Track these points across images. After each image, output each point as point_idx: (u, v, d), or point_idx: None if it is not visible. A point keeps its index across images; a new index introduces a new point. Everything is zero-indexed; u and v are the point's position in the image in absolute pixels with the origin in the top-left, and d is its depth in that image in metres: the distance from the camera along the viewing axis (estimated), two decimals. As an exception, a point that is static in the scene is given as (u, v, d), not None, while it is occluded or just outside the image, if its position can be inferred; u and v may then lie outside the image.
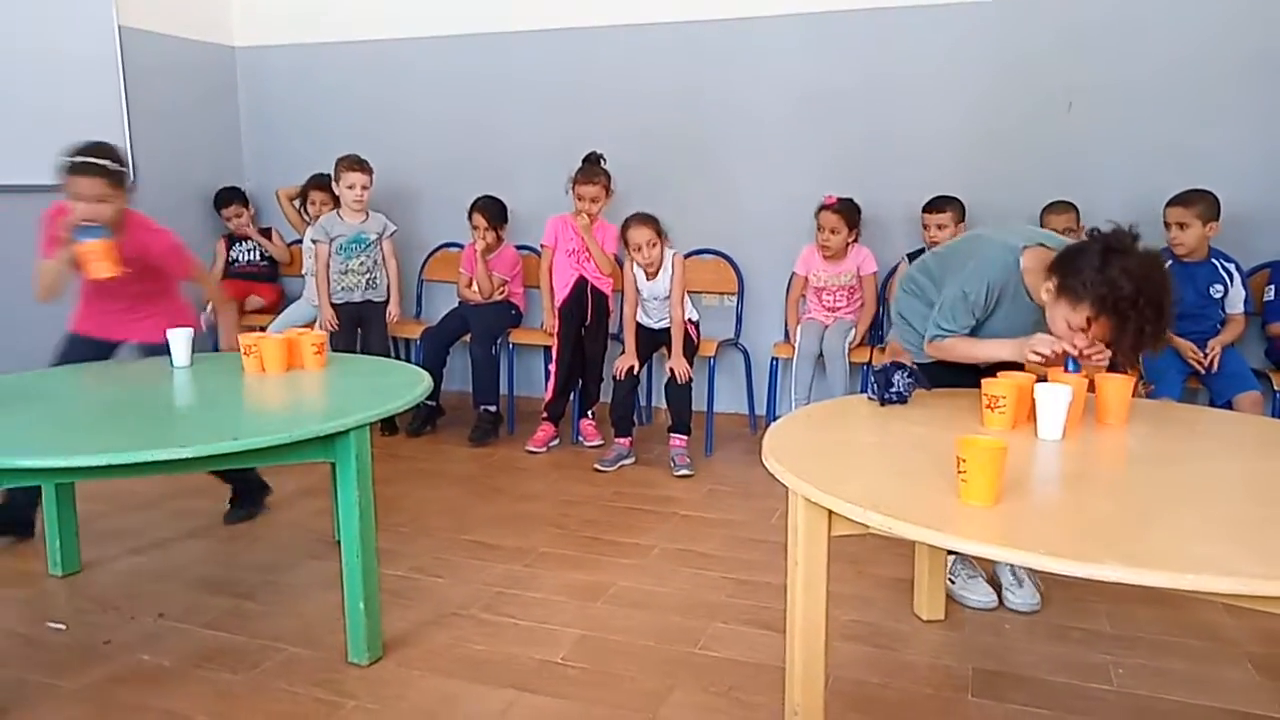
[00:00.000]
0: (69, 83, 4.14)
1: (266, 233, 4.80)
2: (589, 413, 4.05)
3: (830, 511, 1.53)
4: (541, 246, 4.11)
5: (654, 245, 3.62)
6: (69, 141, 4.22)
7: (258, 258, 4.77)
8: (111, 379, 2.45)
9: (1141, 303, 1.79)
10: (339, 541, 2.15)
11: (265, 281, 4.79)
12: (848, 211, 3.82)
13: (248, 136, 5.10)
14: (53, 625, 2.35)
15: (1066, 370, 1.98)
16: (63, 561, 2.63)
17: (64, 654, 2.21)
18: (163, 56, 4.59)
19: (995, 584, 2.48)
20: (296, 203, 4.59)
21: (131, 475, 1.83)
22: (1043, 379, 1.92)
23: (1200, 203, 3.30)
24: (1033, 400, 1.83)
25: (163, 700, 2.01)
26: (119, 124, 4.37)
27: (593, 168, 3.87)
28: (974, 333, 2.16)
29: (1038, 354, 1.98)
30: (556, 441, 3.97)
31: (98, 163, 2.51)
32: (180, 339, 2.58)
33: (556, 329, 3.95)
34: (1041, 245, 2.07)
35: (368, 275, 4.20)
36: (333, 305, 4.12)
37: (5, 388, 2.17)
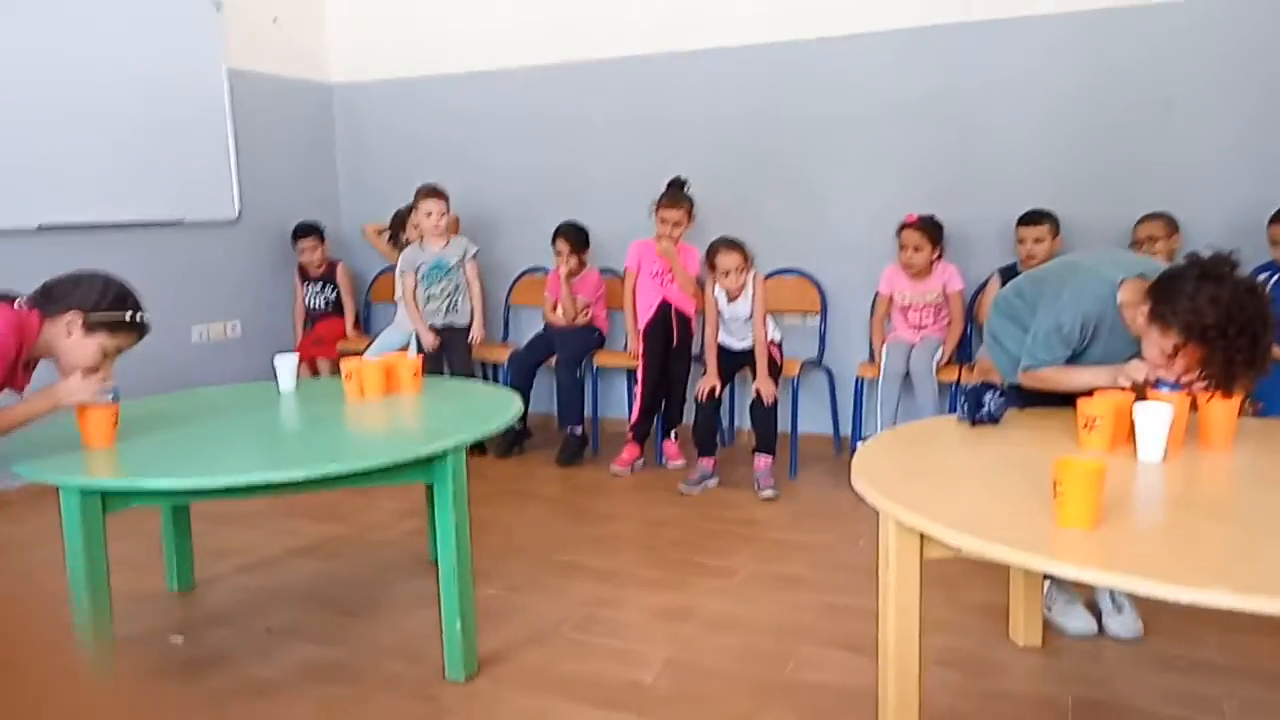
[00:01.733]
0: (182, 125, 4.40)
1: (334, 266, 4.96)
2: (672, 433, 4.09)
3: (922, 535, 1.53)
4: (625, 270, 4.18)
5: (741, 271, 3.64)
6: (184, 179, 4.50)
7: (323, 304, 4.95)
8: (222, 404, 2.59)
9: (1231, 332, 1.76)
10: (435, 561, 2.22)
11: (334, 317, 4.96)
12: (930, 229, 3.77)
13: (344, 171, 5.33)
14: (172, 638, 2.49)
15: (1160, 390, 1.93)
16: (179, 578, 2.79)
17: (182, 665, 2.34)
18: (266, 95, 4.84)
19: (1094, 610, 2.41)
20: (385, 235, 4.75)
21: (245, 496, 1.95)
22: (1142, 398, 1.88)
23: None
24: (1132, 421, 1.79)
25: (274, 711, 2.10)
26: (226, 162, 4.63)
27: (676, 193, 3.93)
28: (1071, 362, 2.14)
29: (1131, 380, 1.95)
30: (641, 462, 4.01)
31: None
32: (286, 364, 2.72)
33: (641, 351, 4.00)
34: (1141, 276, 2.04)
35: (449, 300, 4.33)
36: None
37: (128, 414, 2.32)
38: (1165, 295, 1.86)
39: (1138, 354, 2.00)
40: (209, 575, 2.89)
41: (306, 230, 4.87)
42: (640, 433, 4.01)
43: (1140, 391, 1.94)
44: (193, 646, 2.44)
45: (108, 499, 1.94)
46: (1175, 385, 1.92)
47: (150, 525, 2.84)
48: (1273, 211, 3.26)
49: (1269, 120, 3.49)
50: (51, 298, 2.07)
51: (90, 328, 2.07)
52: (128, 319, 2.12)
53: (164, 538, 2.78)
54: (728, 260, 3.62)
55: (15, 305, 2.04)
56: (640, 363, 4.00)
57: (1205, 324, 1.77)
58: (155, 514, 2.81)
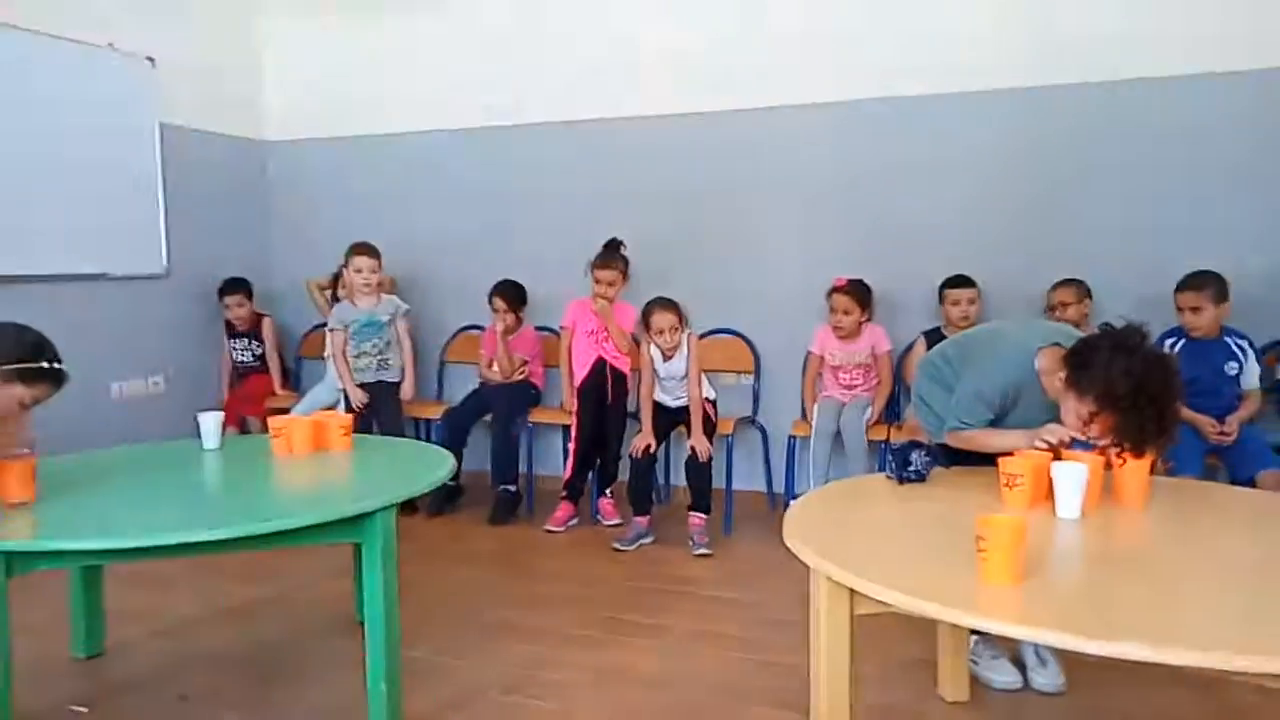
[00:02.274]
0: (112, 178, 4.32)
1: (259, 320, 4.87)
2: (607, 491, 4.07)
3: (852, 590, 1.55)
4: (561, 328, 4.19)
5: (675, 330, 3.69)
6: (111, 233, 4.39)
7: (250, 358, 4.86)
8: (143, 462, 2.50)
9: (1142, 402, 1.86)
10: (361, 622, 2.16)
11: (262, 373, 4.87)
12: (859, 292, 3.89)
13: (277, 227, 5.27)
14: (75, 709, 2.35)
15: (1076, 449, 2.01)
16: (87, 643, 2.65)
17: (87, 738, 2.22)
18: (199, 151, 4.78)
19: (1020, 664, 2.45)
20: (328, 292, 4.70)
21: (164, 556, 1.87)
22: (1059, 458, 1.95)
23: (1210, 285, 3.35)
24: (1050, 479, 1.85)
25: (185, 785, 2.00)
26: (156, 216, 4.54)
27: (610, 253, 3.99)
28: (994, 424, 2.23)
29: (1045, 442, 2.04)
30: (575, 520, 3.98)
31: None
32: (210, 421, 2.64)
33: (576, 408, 4.00)
34: (1057, 345, 2.14)
35: (380, 356, 4.28)
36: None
37: (41, 472, 2.22)
38: (1081, 364, 1.95)
39: (1055, 417, 2.09)
40: (120, 640, 2.75)
41: (233, 286, 4.78)
42: (574, 490, 3.99)
43: (1057, 452, 2.02)
44: (98, 716, 2.31)
45: (12, 561, 1.85)
46: (1089, 445, 2.00)
47: (57, 588, 2.70)
48: (1177, 280, 3.44)
49: (1173, 195, 3.71)
50: None
51: (5, 378, 2.00)
52: (44, 368, 2.04)
53: (72, 600, 2.65)
54: (662, 320, 3.67)
55: None
56: (575, 419, 4.00)
57: (1117, 394, 1.87)
58: (63, 576, 2.68)
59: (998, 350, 2.28)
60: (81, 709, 2.35)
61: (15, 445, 1.98)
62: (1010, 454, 1.97)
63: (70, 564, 2.38)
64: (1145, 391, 1.85)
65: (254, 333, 4.85)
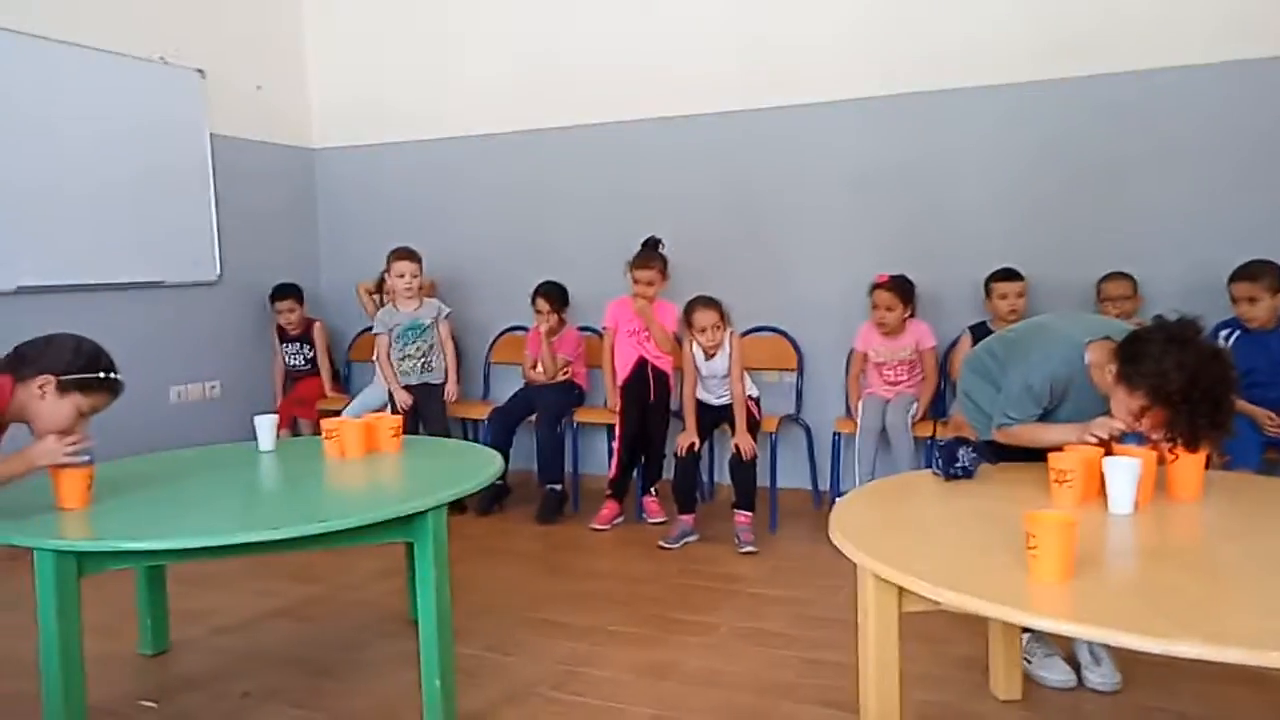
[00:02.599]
0: (165, 188, 4.45)
1: (310, 325, 4.97)
2: (652, 489, 4.09)
3: (900, 588, 1.55)
4: (603, 329, 4.22)
5: (718, 329, 3.69)
6: (166, 241, 4.52)
7: (301, 362, 4.97)
8: (202, 464, 2.58)
9: (1195, 396, 1.82)
10: (414, 620, 2.21)
11: (313, 377, 4.97)
12: (901, 288, 3.86)
13: (324, 233, 5.38)
14: (144, 703, 2.44)
15: (1127, 443, 1.98)
16: (153, 641, 2.74)
17: (155, 732, 2.30)
18: (249, 160, 4.91)
19: (1073, 663, 2.42)
20: (375, 295, 4.78)
21: (223, 556, 1.94)
22: (1110, 453, 1.92)
23: (1267, 274, 3.27)
24: (1101, 474, 1.83)
25: (248, 778, 2.06)
26: (209, 226, 4.66)
27: (649, 253, 4.01)
28: (1042, 419, 2.20)
29: (1096, 437, 2.01)
30: (621, 519, 4.00)
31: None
32: (265, 424, 2.72)
33: (619, 407, 4.03)
34: (1107, 338, 2.10)
35: (423, 359, 4.35)
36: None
37: (105, 475, 2.30)
38: (1132, 358, 1.92)
39: (1106, 411, 2.06)
40: (183, 638, 2.84)
41: (284, 291, 4.89)
42: (618, 489, 4.02)
43: (1108, 446, 1.99)
44: (166, 712, 2.40)
45: (83, 561, 1.92)
46: (1141, 439, 1.97)
47: (123, 588, 2.79)
48: (1231, 270, 3.36)
49: (1222, 182, 3.63)
50: (23, 361, 2.07)
51: (63, 389, 2.06)
52: (101, 378, 2.11)
53: (138, 600, 2.74)
54: (704, 318, 3.68)
55: None
56: (619, 419, 4.02)
57: (1170, 388, 1.84)
58: (128, 576, 2.77)
59: (1046, 344, 2.25)
60: (151, 704, 2.43)
61: (74, 454, 2.05)
62: (1060, 449, 1.95)
63: (138, 564, 2.46)
64: (1199, 385, 1.82)
65: (305, 337, 4.95)
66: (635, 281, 3.98)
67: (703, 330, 3.69)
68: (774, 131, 4.29)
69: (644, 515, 4.04)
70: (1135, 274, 3.63)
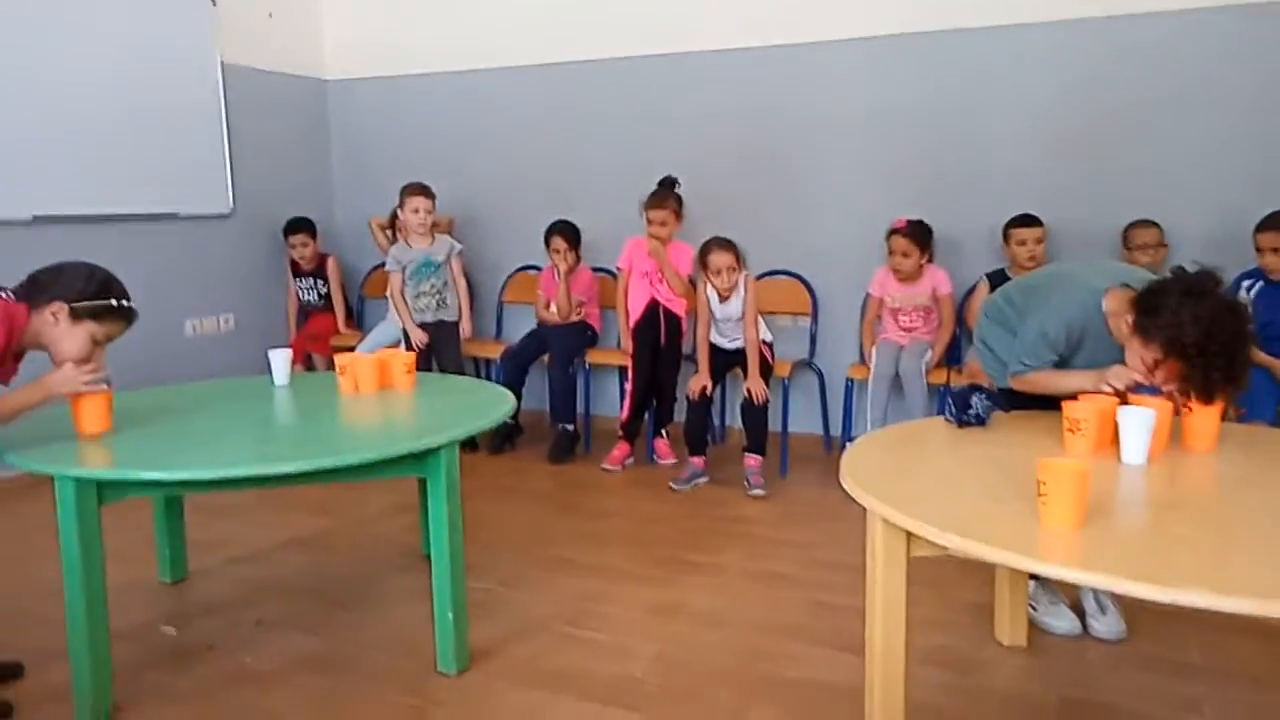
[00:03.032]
0: (176, 119, 4.40)
1: (324, 261, 4.96)
2: (663, 432, 4.11)
3: (909, 533, 1.55)
4: (618, 269, 4.20)
5: (734, 270, 3.67)
6: (178, 173, 4.50)
7: (315, 298, 4.96)
8: (218, 397, 2.60)
9: (1211, 350, 1.80)
10: (427, 555, 2.24)
11: (327, 312, 4.98)
12: (918, 234, 3.81)
13: (338, 166, 5.34)
14: (164, 628, 2.50)
15: (1142, 394, 1.97)
16: (171, 569, 2.80)
17: (175, 656, 2.36)
18: (260, 91, 4.85)
19: (1079, 611, 2.44)
20: (388, 231, 4.76)
21: (238, 488, 1.96)
22: (1125, 402, 1.91)
23: None
24: (1116, 424, 1.82)
25: (264, 702, 2.12)
26: (220, 157, 4.63)
27: (663, 192, 3.95)
28: (1058, 367, 2.18)
29: (1112, 386, 2.00)
30: (631, 460, 4.03)
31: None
32: (280, 359, 2.73)
33: (632, 349, 4.03)
34: (1125, 285, 2.08)
35: (438, 296, 4.34)
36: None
37: (123, 405, 2.32)
38: (1149, 309, 1.90)
39: (1122, 360, 2.04)
40: (201, 567, 2.90)
41: (298, 226, 4.87)
42: (631, 431, 4.04)
43: (1123, 396, 1.98)
44: (184, 637, 2.46)
45: (103, 490, 1.96)
46: (1156, 390, 1.95)
47: (143, 517, 2.85)
48: (1257, 220, 3.30)
49: (1250, 129, 3.53)
50: (37, 288, 2.08)
51: (77, 316, 2.07)
52: (113, 306, 2.12)
53: (157, 529, 2.79)
54: (720, 259, 3.65)
55: (2, 297, 2.04)
56: (630, 361, 4.03)
57: (1186, 341, 1.82)
58: (148, 506, 2.82)
59: (1064, 290, 2.22)
60: (170, 629, 2.49)
61: (90, 382, 2.07)
62: (1074, 398, 1.94)
63: (157, 493, 2.51)
64: (1215, 339, 1.80)
65: (319, 272, 4.95)
66: (649, 222, 3.93)
67: (718, 272, 3.66)
68: (794, 70, 4.20)
69: (655, 457, 4.07)
70: (1161, 221, 3.56)
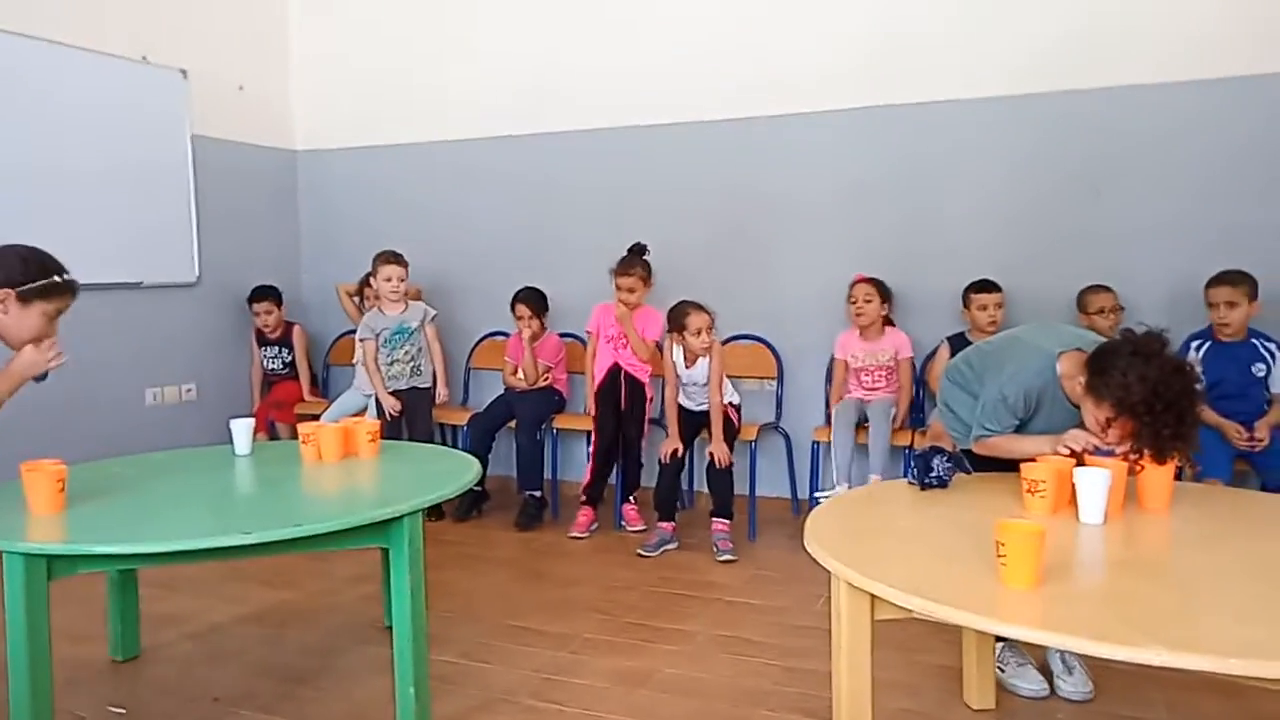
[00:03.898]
0: (145, 188, 4.42)
1: (289, 329, 4.95)
2: (631, 498, 4.09)
3: (873, 596, 1.56)
4: (586, 333, 4.22)
5: (710, 330, 3.70)
6: (144, 242, 4.49)
7: (279, 365, 4.94)
8: (177, 467, 2.56)
9: (1158, 408, 1.86)
10: (389, 627, 2.20)
11: (291, 380, 4.95)
12: (879, 284, 3.91)
13: (306, 235, 5.36)
14: (114, 709, 2.41)
15: (1098, 456, 2.01)
16: (123, 646, 2.71)
17: (124, 738, 2.27)
18: (230, 160, 4.88)
19: (1046, 672, 2.44)
20: (356, 299, 4.77)
21: (199, 560, 1.92)
22: (1082, 464, 1.94)
23: (1245, 282, 3.33)
24: (1073, 485, 1.85)
25: (218, 785, 2.04)
26: (188, 226, 4.64)
27: (631, 259, 4.00)
28: (1018, 430, 2.24)
29: (1069, 448, 2.05)
30: (597, 525, 4.00)
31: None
32: (242, 428, 2.70)
33: (595, 413, 4.03)
34: (1079, 350, 2.14)
35: (412, 363, 4.33)
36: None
37: (77, 477, 2.28)
38: (1099, 370, 1.97)
39: (1079, 422, 2.09)
40: (154, 643, 2.81)
41: (262, 294, 4.86)
42: (593, 495, 4.02)
43: (1080, 458, 2.02)
44: (135, 718, 2.37)
45: (53, 564, 1.90)
46: (1112, 451, 2.00)
47: (93, 592, 2.76)
48: (1203, 277, 3.41)
49: (1201, 197, 3.67)
50: None
51: (25, 299, 2.13)
52: (59, 282, 2.18)
53: (109, 605, 2.71)
54: (699, 320, 3.67)
55: None
56: (593, 425, 4.02)
57: (1134, 400, 1.88)
58: (99, 581, 2.74)
59: (1020, 357, 2.28)
60: (120, 710, 2.40)
61: (52, 361, 2.16)
62: (1034, 460, 1.97)
63: (109, 567, 2.43)
64: (1162, 398, 1.85)
65: (284, 340, 4.92)
66: (618, 288, 3.98)
67: (697, 333, 3.68)
68: (760, 141, 4.31)
69: (623, 524, 4.04)
70: (1116, 286, 3.67)
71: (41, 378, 2.21)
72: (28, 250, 2.18)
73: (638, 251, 4.04)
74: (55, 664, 1.94)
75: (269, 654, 2.77)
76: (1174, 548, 1.79)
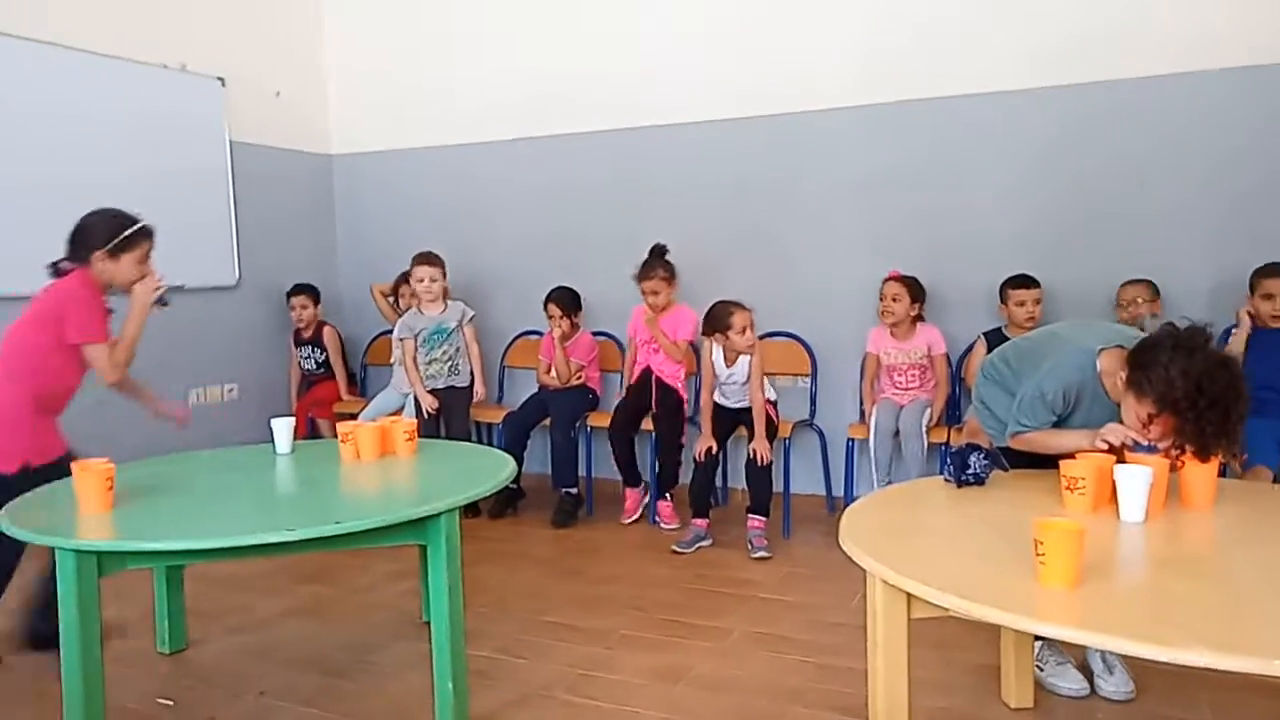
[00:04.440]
0: (185, 194, 4.51)
1: (321, 329, 5.01)
2: (667, 495, 4.10)
3: (909, 594, 1.55)
4: (628, 338, 4.34)
5: (753, 327, 3.70)
6: (186, 245, 4.58)
7: (314, 365, 5.01)
8: (220, 466, 2.61)
9: (1202, 404, 1.82)
10: (427, 622, 2.23)
11: (329, 380, 5.02)
12: (909, 282, 3.89)
13: (342, 238, 5.44)
14: (162, 701, 2.47)
15: (1138, 452, 1.98)
16: (170, 640, 2.77)
17: (172, 730, 2.33)
18: (267, 166, 4.97)
19: (1086, 671, 2.41)
20: (391, 298, 4.83)
21: (239, 557, 1.96)
22: (1122, 460, 1.92)
23: None
24: (1114, 482, 1.83)
25: (263, 777, 2.09)
26: (228, 230, 4.72)
27: (652, 261, 4.08)
28: (1056, 426, 2.21)
29: (1107, 443, 2.02)
30: (646, 499, 4.05)
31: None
32: (282, 427, 2.75)
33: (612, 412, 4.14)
34: (1119, 346, 2.11)
35: (450, 363, 4.37)
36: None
37: (126, 476, 2.34)
38: (1141, 365, 1.93)
39: (1118, 419, 2.06)
40: (201, 637, 2.88)
41: (299, 289, 4.96)
42: (629, 479, 4.11)
43: (1120, 453, 1.99)
44: (183, 709, 2.43)
45: (103, 560, 1.96)
46: (1152, 448, 1.97)
47: (143, 588, 2.83)
48: (1247, 268, 3.35)
49: (1241, 187, 3.60)
50: (76, 250, 2.62)
51: (114, 254, 2.62)
52: (134, 232, 2.66)
53: (156, 599, 2.78)
54: (743, 318, 3.67)
55: (71, 268, 2.61)
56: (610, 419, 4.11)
57: (1177, 396, 1.84)
58: (148, 576, 2.81)
59: (1059, 352, 2.25)
60: (168, 701, 2.47)
61: (158, 289, 2.71)
62: (1072, 456, 1.95)
63: (156, 564, 2.51)
64: (1206, 393, 1.82)
65: (317, 340, 5.00)
66: (643, 293, 4.05)
67: (743, 330, 3.67)
68: (787, 138, 4.30)
69: (658, 520, 4.06)
70: (1156, 279, 3.60)
71: (162, 303, 2.76)
72: (104, 213, 2.66)
73: (658, 253, 4.08)
74: (105, 657, 2.00)
75: (310, 648, 2.82)
76: (1217, 546, 1.76)
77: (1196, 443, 1.85)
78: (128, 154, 4.24)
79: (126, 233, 2.64)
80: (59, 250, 2.65)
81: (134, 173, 4.26)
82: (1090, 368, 2.16)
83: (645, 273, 4.04)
